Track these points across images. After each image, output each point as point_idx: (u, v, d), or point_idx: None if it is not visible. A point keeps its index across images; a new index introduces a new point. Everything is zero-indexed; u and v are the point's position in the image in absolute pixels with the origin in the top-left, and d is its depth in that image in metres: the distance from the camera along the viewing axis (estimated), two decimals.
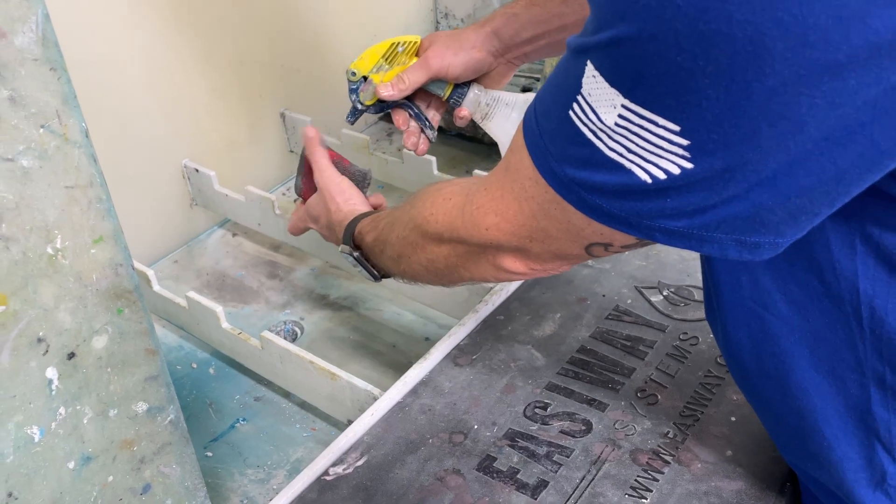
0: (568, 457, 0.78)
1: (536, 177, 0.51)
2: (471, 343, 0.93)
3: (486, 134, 1.36)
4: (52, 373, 0.64)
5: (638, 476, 0.76)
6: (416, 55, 0.96)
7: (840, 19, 0.35)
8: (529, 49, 0.94)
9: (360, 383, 0.94)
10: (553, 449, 0.79)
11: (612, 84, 0.42)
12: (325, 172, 0.95)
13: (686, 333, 0.92)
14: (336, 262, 1.29)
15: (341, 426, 1.02)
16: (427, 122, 0.97)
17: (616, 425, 0.81)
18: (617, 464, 0.77)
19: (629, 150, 0.43)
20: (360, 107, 0.96)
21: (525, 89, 1.52)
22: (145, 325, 0.70)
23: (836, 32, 0.35)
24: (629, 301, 0.97)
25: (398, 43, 0.95)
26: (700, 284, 0.98)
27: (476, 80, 0.96)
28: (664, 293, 0.98)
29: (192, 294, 1.11)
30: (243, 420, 1.09)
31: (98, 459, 0.70)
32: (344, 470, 0.79)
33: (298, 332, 1.22)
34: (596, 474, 0.76)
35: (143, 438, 0.74)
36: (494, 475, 0.77)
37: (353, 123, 0.99)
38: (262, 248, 1.40)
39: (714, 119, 0.39)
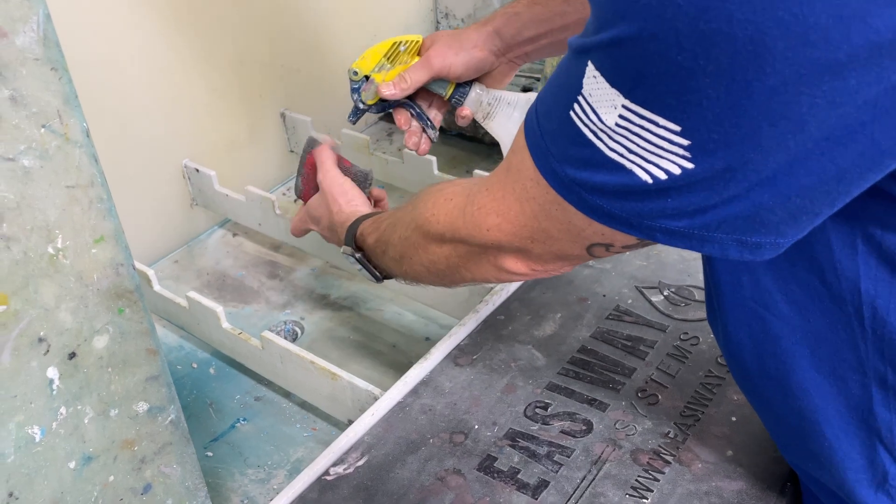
0: (569, 457, 0.78)
1: (538, 177, 0.51)
2: (471, 343, 0.93)
3: (486, 134, 1.36)
4: (52, 373, 0.64)
5: (639, 476, 0.76)
6: (418, 54, 0.96)
7: (841, 18, 0.35)
8: (531, 48, 0.94)
9: (361, 383, 0.94)
10: (554, 449, 0.79)
11: (613, 84, 0.42)
12: (329, 173, 0.95)
13: (687, 333, 0.92)
14: (336, 262, 1.29)
15: (342, 426, 1.02)
16: (429, 122, 0.97)
17: (617, 425, 0.81)
18: (618, 464, 0.77)
19: (630, 151, 0.43)
20: (361, 106, 0.96)
21: (526, 89, 1.52)
22: (146, 324, 0.70)
23: (837, 32, 0.35)
24: (630, 301, 0.97)
25: (400, 42, 0.95)
26: (701, 284, 0.98)
27: (478, 80, 0.96)
28: (665, 293, 0.98)
29: (193, 294, 1.11)
30: (244, 420, 1.09)
31: (99, 459, 0.70)
32: (344, 470, 0.79)
33: (299, 332, 1.22)
34: (597, 474, 0.76)
35: (144, 438, 0.74)
36: (495, 475, 0.77)
37: (354, 123, 0.99)
38: (263, 248, 1.40)
39: (715, 119, 0.39)
